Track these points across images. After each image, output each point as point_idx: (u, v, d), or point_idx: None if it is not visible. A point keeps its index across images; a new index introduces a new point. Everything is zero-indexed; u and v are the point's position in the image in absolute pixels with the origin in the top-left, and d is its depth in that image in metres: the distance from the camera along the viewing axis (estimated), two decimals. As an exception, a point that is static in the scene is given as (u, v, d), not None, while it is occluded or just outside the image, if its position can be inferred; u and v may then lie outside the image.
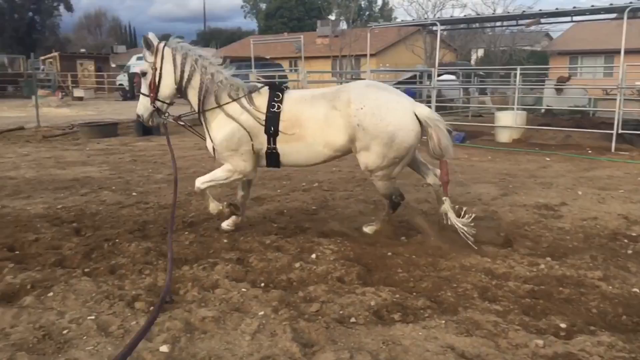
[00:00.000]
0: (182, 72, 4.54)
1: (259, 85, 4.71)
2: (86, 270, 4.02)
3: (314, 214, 5.69)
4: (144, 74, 4.60)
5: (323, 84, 21.18)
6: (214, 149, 4.65)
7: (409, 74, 20.17)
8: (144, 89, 4.64)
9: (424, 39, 26.49)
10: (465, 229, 4.37)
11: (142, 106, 4.68)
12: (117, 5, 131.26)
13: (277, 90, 4.60)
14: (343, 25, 40.59)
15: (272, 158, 4.59)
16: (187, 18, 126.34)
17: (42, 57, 35.69)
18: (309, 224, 5.25)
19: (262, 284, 3.82)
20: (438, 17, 20.25)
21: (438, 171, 4.73)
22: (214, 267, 4.07)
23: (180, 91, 4.63)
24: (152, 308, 3.33)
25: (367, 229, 4.90)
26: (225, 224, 5.00)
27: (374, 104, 4.31)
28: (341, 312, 3.35)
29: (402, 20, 19.60)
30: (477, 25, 18.69)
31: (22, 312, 3.31)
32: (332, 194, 6.60)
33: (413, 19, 24.73)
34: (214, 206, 4.93)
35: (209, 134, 4.65)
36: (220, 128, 4.55)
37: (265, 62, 27.05)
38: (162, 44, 4.56)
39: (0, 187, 6.99)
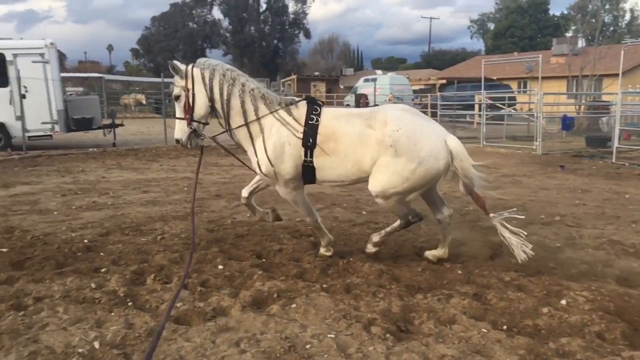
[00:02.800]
0: (212, 87, 4.52)
1: (296, 99, 4.69)
2: (324, 286, 4.15)
3: (558, 252, 5.08)
4: (177, 97, 4.61)
5: (559, 106, 19.48)
6: (258, 164, 4.54)
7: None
8: (179, 112, 4.62)
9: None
10: (517, 244, 4.30)
11: (180, 130, 4.64)
12: (347, 31, 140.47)
13: (314, 104, 4.56)
14: (581, 43, 37.10)
15: (308, 172, 4.50)
16: (411, 41, 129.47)
17: (283, 80, 39.77)
18: (554, 264, 4.70)
19: (505, 327, 3.47)
20: None
21: (452, 211, 4.81)
22: (449, 299, 3.85)
23: (215, 109, 4.60)
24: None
25: (369, 248, 4.82)
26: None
27: (410, 127, 4.30)
28: (606, 376, 2.84)
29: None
30: None
31: (269, 320, 3.51)
32: (578, 230, 5.85)
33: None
34: (326, 241, 4.92)
35: (253, 156, 4.57)
36: (262, 146, 4.47)
37: (492, 83, 25.98)
38: (190, 66, 4.58)
39: (249, 197, 7.77)
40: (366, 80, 33.83)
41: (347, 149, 4.36)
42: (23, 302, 3.77)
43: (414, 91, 35.51)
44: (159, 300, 3.83)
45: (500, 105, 17.96)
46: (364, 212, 6.80)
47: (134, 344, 3.18)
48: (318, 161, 4.44)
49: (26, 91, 14.27)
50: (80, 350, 3.08)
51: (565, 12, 55.57)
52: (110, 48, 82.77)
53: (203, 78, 4.53)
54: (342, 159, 4.40)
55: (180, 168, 11.22)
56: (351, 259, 4.81)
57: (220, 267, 4.55)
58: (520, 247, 4.31)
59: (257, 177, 4.94)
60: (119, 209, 7.09)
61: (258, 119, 4.52)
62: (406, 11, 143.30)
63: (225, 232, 5.81)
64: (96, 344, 3.15)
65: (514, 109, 19.85)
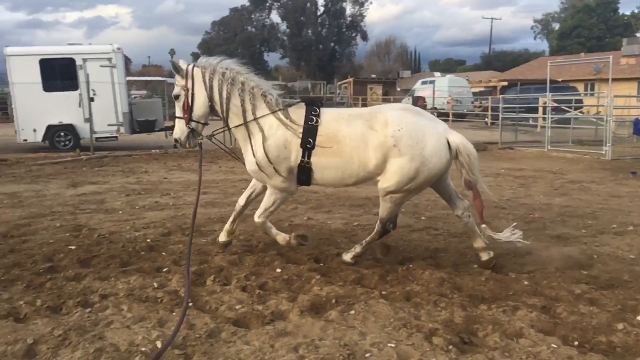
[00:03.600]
0: (212, 87, 4.52)
1: (295, 100, 4.72)
2: (383, 292, 4.06)
3: (633, 264, 4.78)
4: (176, 97, 4.61)
5: (629, 109, 18.53)
6: (255, 163, 4.51)
7: None
8: (178, 112, 4.63)
9: None
10: (510, 235, 4.47)
11: (178, 129, 4.65)
12: (405, 32, 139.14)
13: (314, 105, 4.54)
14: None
15: (304, 173, 4.48)
16: (470, 42, 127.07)
17: (339, 83, 39.93)
18: (629, 277, 4.42)
19: (576, 343, 3.27)
20: None
21: (467, 203, 4.69)
22: (516, 311, 3.68)
23: (215, 108, 4.60)
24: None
25: (346, 257, 4.73)
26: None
27: (412, 127, 4.28)
28: (692, 403, 2.62)
29: None
30: None
31: (328, 325, 3.46)
32: (654, 241, 5.49)
33: None
34: (280, 238, 4.91)
35: (248, 154, 4.56)
36: (259, 145, 4.45)
37: (558, 85, 25.00)
38: (191, 66, 4.57)
39: (306, 200, 7.78)
40: (424, 83, 33.39)
41: (352, 151, 4.35)
42: (89, 299, 3.89)
43: (474, 93, 34.76)
44: (219, 301, 3.85)
45: (566, 108, 17.23)
46: (422, 218, 6.65)
47: (195, 345, 3.20)
48: (319, 162, 4.43)
49: (94, 94, 14.91)
50: (143, 349, 3.13)
51: (636, 10, 53.06)
52: (172, 52, 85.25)
53: (203, 78, 4.55)
54: (348, 161, 4.37)
55: (238, 170, 11.36)
56: (410, 265, 4.70)
57: (279, 270, 4.54)
58: (513, 236, 4.48)
59: (252, 182, 5.01)
60: (179, 209, 7.25)
61: (256, 118, 4.51)
62: (466, 12, 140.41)
63: (283, 234, 5.81)
64: (158, 344, 3.19)
65: (581, 111, 19.01)
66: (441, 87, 30.49)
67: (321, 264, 4.80)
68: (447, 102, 29.05)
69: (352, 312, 3.68)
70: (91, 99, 14.77)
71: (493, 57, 68.61)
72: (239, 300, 3.88)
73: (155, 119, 16.97)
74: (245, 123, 4.54)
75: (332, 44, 60.90)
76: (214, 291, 4.07)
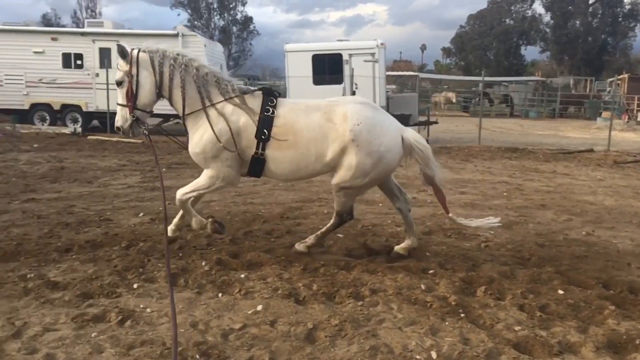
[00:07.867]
0: (162, 73, 4.31)
1: (252, 88, 4.54)
2: None
3: None
4: (119, 83, 4.37)
5: None
6: (202, 146, 4.33)
7: None
8: (120, 99, 4.39)
9: None
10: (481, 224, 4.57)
11: (120, 117, 4.41)
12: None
13: (271, 95, 4.41)
14: None
15: (257, 165, 4.36)
16: None
17: (610, 79, 35.16)
18: None
19: None
20: None
21: (409, 196, 4.91)
22: None
23: (163, 95, 4.41)
24: None
25: (300, 247, 4.67)
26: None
27: (370, 122, 4.29)
28: None
29: None
30: None
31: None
32: None
33: None
34: (196, 221, 4.61)
35: (194, 136, 4.37)
36: (208, 128, 4.27)
37: None
38: (136, 51, 4.33)
39: (581, 212, 6.84)
40: None
41: (309, 143, 4.28)
42: (360, 292, 3.91)
43: None
44: (494, 318, 3.50)
45: None
46: None
47: (472, 364, 2.93)
48: (274, 154, 4.32)
49: (356, 88, 15.68)
50: (417, 357, 2.97)
51: None
52: (423, 47, 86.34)
53: (152, 64, 4.34)
54: (303, 153, 4.30)
55: (496, 170, 10.73)
56: None
57: (561, 291, 3.97)
58: (484, 224, 4.57)
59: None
60: (438, 207, 7.00)
61: (205, 107, 4.34)
62: None
63: (558, 250, 5.16)
64: (433, 354, 3.01)
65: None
66: None
67: (612, 292, 4.06)
68: None
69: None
70: (353, 93, 15.57)
71: None
72: (518, 320, 3.47)
73: (410, 114, 17.12)
74: (200, 110, 4.37)
75: (604, 36, 53.97)
76: (486, 304, 3.73)
